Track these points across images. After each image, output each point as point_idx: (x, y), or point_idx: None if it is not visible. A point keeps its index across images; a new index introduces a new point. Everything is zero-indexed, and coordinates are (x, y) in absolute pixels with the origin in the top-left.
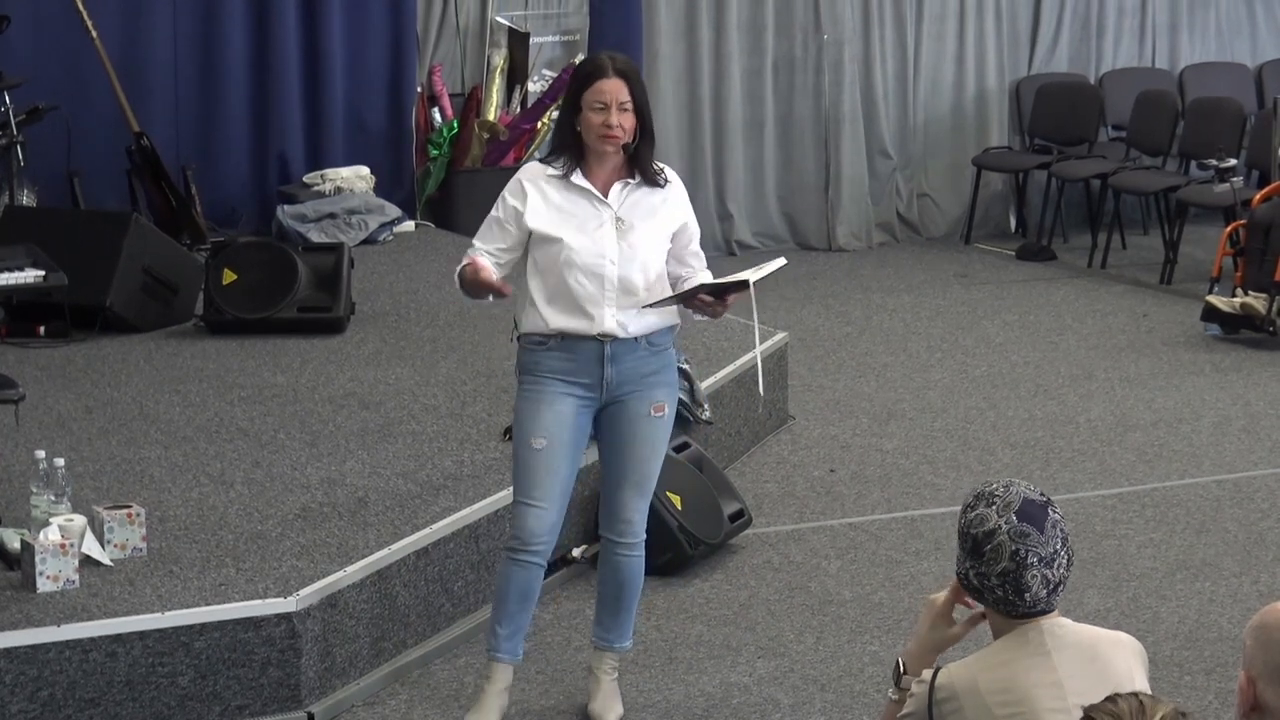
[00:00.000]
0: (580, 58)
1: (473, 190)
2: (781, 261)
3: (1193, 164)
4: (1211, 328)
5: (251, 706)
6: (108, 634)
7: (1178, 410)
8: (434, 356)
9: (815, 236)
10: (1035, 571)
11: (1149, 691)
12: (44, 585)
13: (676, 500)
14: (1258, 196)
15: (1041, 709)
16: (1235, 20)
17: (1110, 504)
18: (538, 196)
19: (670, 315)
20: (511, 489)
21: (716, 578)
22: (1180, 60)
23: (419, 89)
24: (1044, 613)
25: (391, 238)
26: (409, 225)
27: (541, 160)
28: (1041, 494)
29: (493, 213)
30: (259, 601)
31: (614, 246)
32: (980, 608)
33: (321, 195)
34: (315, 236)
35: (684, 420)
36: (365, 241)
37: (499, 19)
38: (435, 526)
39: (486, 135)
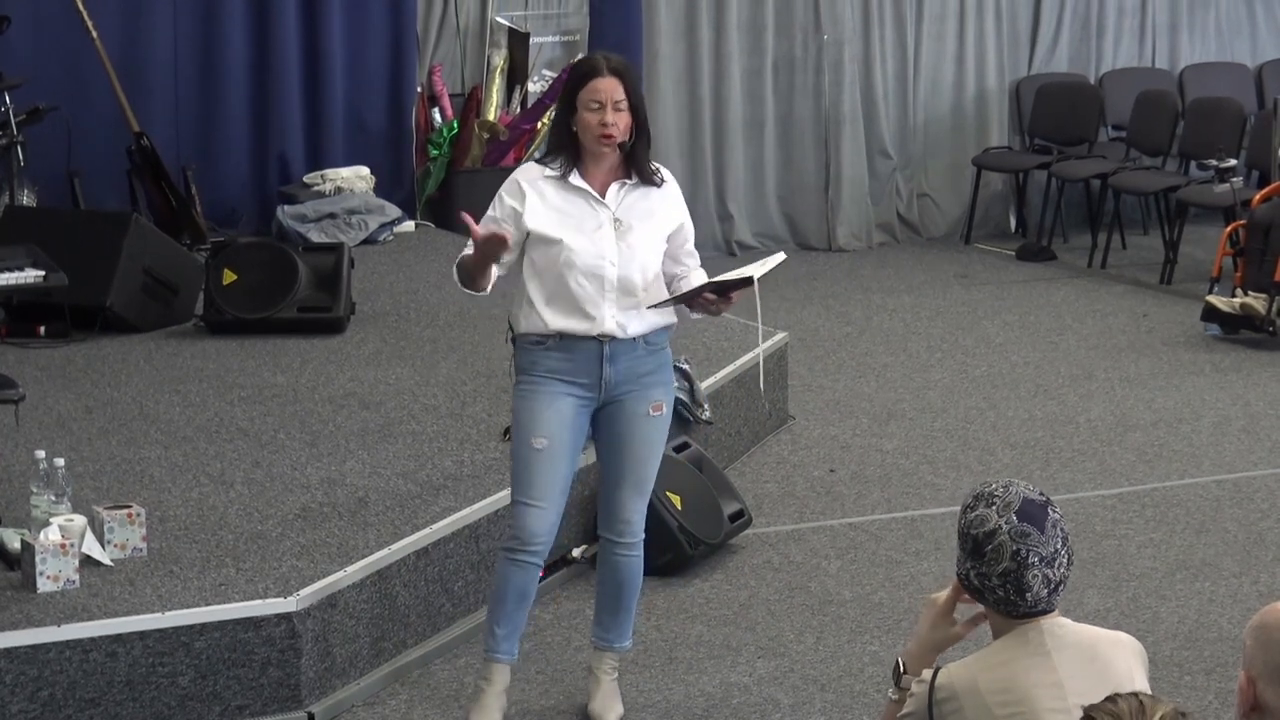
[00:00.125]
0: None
1: (473, 190)
2: (781, 257)
3: (1193, 164)
4: (1211, 328)
5: (252, 706)
6: (108, 634)
7: (1178, 410)
8: (434, 357)
9: (815, 237)
10: (1036, 571)
11: (1149, 691)
12: (44, 585)
13: (676, 500)
14: (1258, 197)
15: (1042, 709)
16: (1235, 20)
17: (1110, 504)
18: (536, 197)
19: (668, 314)
20: (510, 489)
21: (716, 578)
22: (1180, 60)
23: (419, 89)
24: (1045, 612)
25: (391, 238)
26: (409, 225)
27: (538, 161)
28: (1041, 493)
29: (490, 213)
30: (259, 601)
31: (613, 247)
32: (981, 608)
33: (321, 195)
34: (315, 236)
35: (684, 420)
36: (365, 241)
37: (499, 19)
38: (435, 526)
39: (486, 135)
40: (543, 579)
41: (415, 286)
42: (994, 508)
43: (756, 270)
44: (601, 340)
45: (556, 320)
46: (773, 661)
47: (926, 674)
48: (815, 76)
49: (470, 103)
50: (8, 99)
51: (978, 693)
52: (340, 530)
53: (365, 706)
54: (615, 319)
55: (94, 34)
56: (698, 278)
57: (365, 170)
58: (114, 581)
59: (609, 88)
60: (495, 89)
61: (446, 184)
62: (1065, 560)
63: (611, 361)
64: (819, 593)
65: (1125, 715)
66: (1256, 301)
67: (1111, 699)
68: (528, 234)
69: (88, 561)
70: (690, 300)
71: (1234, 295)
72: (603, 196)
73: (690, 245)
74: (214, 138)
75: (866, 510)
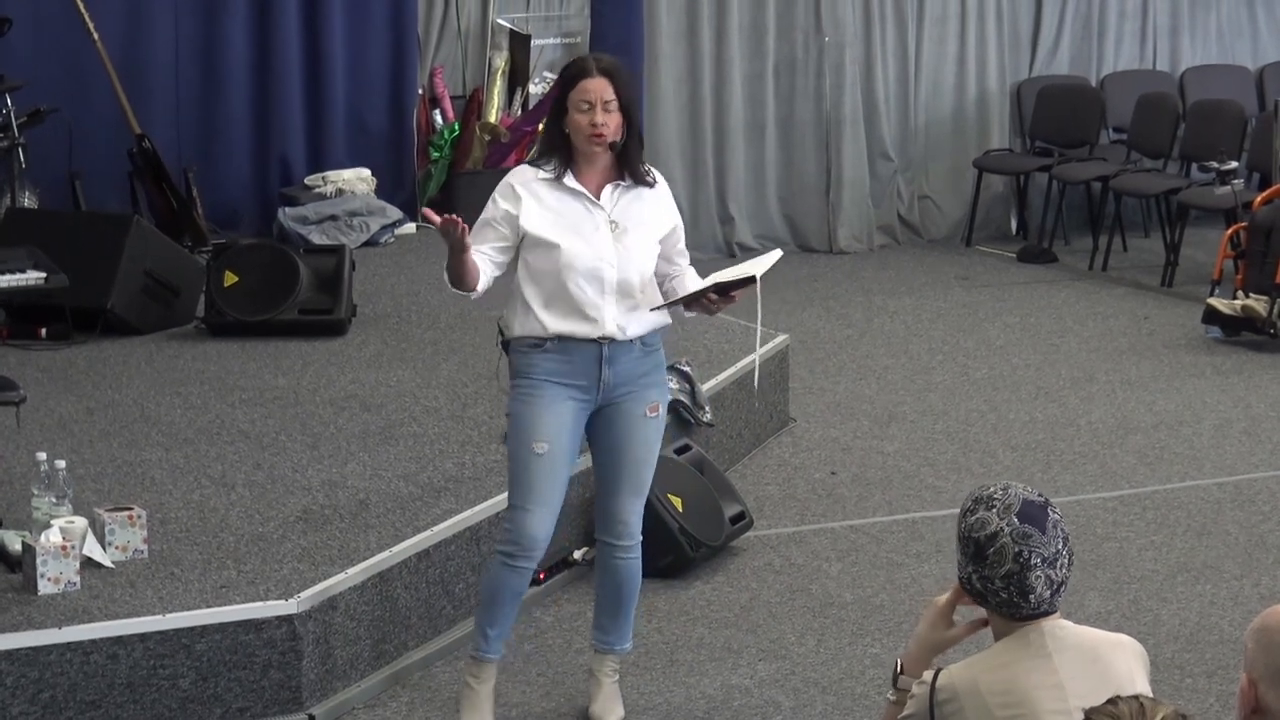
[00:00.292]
0: None
1: (474, 192)
2: (778, 254)
3: (1194, 166)
4: (1212, 330)
5: (253, 709)
6: (109, 636)
7: (1179, 413)
8: (435, 359)
9: (816, 239)
10: (1039, 572)
11: (1150, 694)
12: (45, 587)
13: (678, 502)
14: (1259, 199)
15: (1043, 710)
16: (1236, 22)
17: (1111, 506)
18: (531, 200)
19: (664, 315)
20: (508, 493)
21: (718, 580)
22: (1181, 62)
23: (420, 91)
24: (1047, 614)
25: (393, 240)
26: (410, 227)
27: (530, 163)
28: (1039, 494)
29: (484, 215)
30: (260, 604)
31: (611, 249)
32: (982, 612)
33: (323, 197)
34: (316, 238)
35: (685, 422)
36: (366, 244)
37: (500, 21)
38: (436, 529)
39: (488, 137)
40: (544, 581)
41: (416, 289)
42: (994, 510)
43: (757, 269)
44: (601, 343)
45: (556, 323)
46: (774, 664)
47: (927, 675)
48: (816, 79)
49: (471, 105)
50: (9, 101)
51: (979, 694)
52: (341, 532)
53: (366, 709)
54: (616, 321)
55: (95, 36)
56: (691, 277)
57: (366, 172)
58: (115, 583)
59: (598, 88)
60: (496, 91)
61: (448, 186)
62: (1067, 560)
63: (610, 363)
64: (820, 595)
65: (1126, 717)
66: (1257, 304)
67: (1112, 701)
68: (523, 237)
69: (89, 563)
70: (691, 301)
71: (1235, 297)
72: (597, 198)
73: (682, 245)
74: (215, 139)
75: (868, 512)
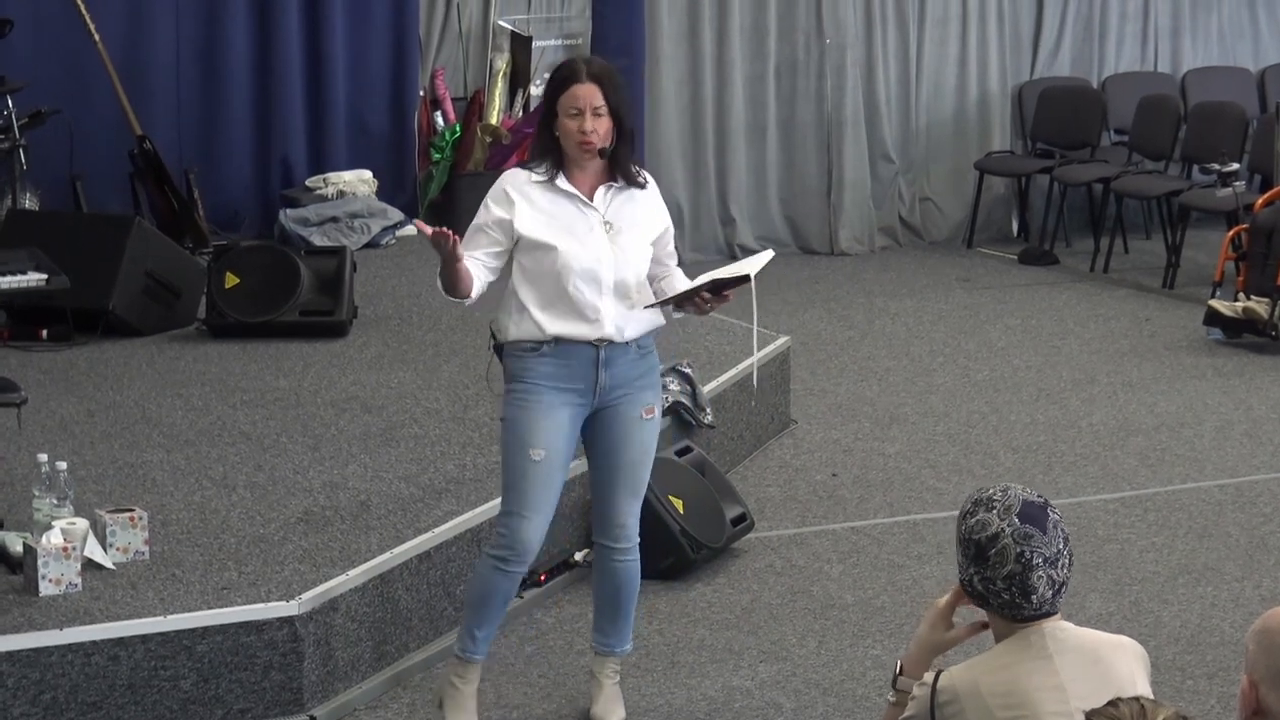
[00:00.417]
0: None
1: (475, 194)
2: (770, 254)
3: (1195, 168)
4: (1214, 332)
5: (254, 710)
6: (110, 637)
7: (1180, 414)
8: (436, 360)
9: (817, 240)
10: (1041, 572)
11: (1151, 696)
12: (46, 589)
13: (679, 504)
14: (1260, 201)
15: (1043, 712)
16: (1237, 24)
17: (1112, 508)
18: (525, 203)
19: (657, 315)
20: (501, 498)
21: (719, 582)
22: (1183, 64)
23: (421, 92)
24: (1048, 615)
25: (394, 241)
26: (411, 229)
27: (523, 166)
28: (1039, 495)
29: (477, 220)
30: (261, 605)
31: (608, 250)
32: (983, 614)
33: (324, 199)
34: (317, 240)
35: (686, 424)
36: (368, 245)
37: (501, 23)
38: (437, 530)
39: (489, 139)
40: (544, 583)
41: (417, 290)
42: (994, 511)
43: (750, 268)
44: (598, 345)
45: (554, 325)
46: (775, 665)
47: (928, 676)
48: (817, 80)
49: (473, 106)
50: (10, 102)
51: (979, 695)
52: (342, 534)
53: (367, 710)
54: (614, 322)
55: (96, 37)
56: (679, 277)
57: (368, 174)
58: (116, 585)
59: (587, 94)
60: (498, 92)
61: (449, 187)
62: (1067, 561)
63: (606, 366)
64: (821, 597)
65: (1127, 719)
66: (1259, 306)
67: (1113, 703)
68: (517, 240)
69: (90, 565)
70: (684, 300)
71: (1236, 299)
72: (590, 200)
73: (671, 247)
74: (216, 141)
75: (869, 514)
